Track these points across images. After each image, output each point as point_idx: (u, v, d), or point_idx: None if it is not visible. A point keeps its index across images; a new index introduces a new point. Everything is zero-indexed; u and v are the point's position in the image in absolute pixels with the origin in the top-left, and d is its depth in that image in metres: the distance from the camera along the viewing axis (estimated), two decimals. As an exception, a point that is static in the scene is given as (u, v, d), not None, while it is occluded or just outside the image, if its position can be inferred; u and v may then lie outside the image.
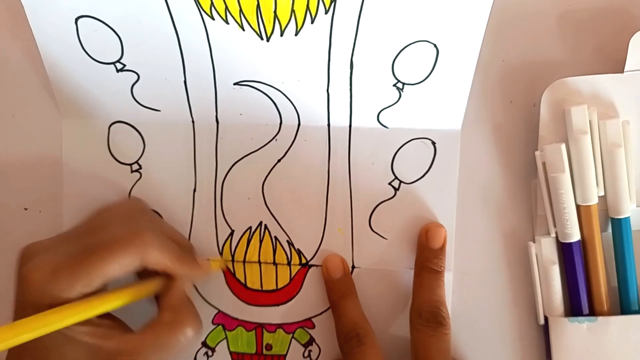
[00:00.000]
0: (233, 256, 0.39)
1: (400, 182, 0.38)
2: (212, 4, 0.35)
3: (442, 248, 0.37)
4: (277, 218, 0.39)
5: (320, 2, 0.34)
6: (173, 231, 0.38)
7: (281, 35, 0.35)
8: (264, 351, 0.40)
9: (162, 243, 0.33)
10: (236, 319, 0.40)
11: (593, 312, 0.37)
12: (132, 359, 0.31)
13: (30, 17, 0.36)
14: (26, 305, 0.30)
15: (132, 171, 0.39)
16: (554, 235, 0.37)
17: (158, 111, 0.38)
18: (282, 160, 0.38)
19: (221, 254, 0.39)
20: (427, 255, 0.37)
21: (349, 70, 0.36)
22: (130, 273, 0.32)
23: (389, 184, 0.38)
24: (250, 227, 0.39)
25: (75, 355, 0.30)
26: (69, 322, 0.29)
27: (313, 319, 0.40)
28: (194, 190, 0.39)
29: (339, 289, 0.38)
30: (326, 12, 0.35)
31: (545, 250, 0.37)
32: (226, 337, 0.40)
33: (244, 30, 0.35)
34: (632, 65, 0.35)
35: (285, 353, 0.40)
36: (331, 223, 0.39)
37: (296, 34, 0.35)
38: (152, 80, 0.37)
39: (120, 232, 0.33)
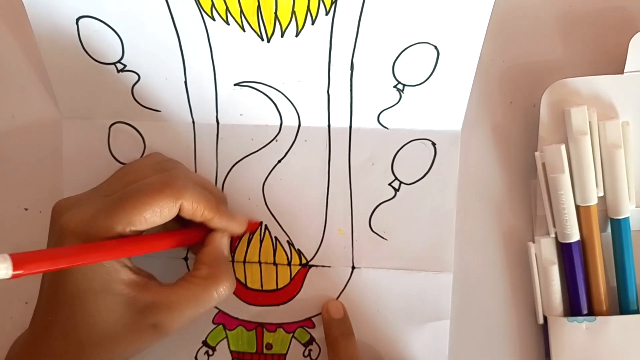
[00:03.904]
0: (233, 256, 0.39)
1: (401, 182, 0.38)
2: (212, 4, 0.35)
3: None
4: (277, 218, 0.39)
5: (321, 3, 0.34)
6: (206, 181, 0.38)
7: (282, 36, 0.35)
8: (264, 350, 0.40)
9: (198, 190, 0.33)
10: (237, 318, 0.40)
11: (592, 312, 0.37)
12: (167, 311, 0.31)
13: (30, 17, 0.36)
14: None
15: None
16: (553, 235, 0.37)
17: (158, 111, 0.38)
18: (282, 161, 0.38)
19: (222, 254, 0.39)
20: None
21: (350, 72, 0.36)
22: (168, 219, 0.32)
23: (389, 184, 0.38)
24: (250, 228, 0.39)
25: (111, 306, 0.31)
26: (105, 258, 0.30)
27: (313, 319, 0.40)
28: (195, 191, 0.39)
29: (339, 327, 0.38)
30: (327, 14, 0.35)
31: (545, 251, 0.37)
32: (227, 337, 0.40)
33: (244, 31, 0.35)
34: (632, 66, 0.35)
35: (285, 352, 0.40)
36: (331, 223, 0.39)
37: (297, 35, 0.35)
38: (153, 80, 0.37)
39: (156, 179, 0.33)
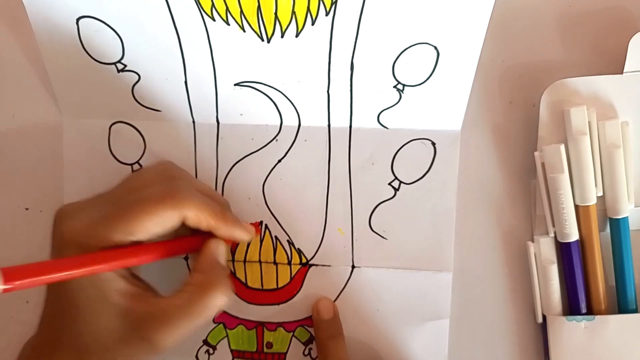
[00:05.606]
0: (233, 256, 0.39)
1: (400, 182, 0.38)
2: (213, 5, 0.35)
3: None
4: (277, 218, 0.39)
5: (321, 3, 0.34)
6: (209, 189, 0.38)
7: (282, 36, 0.35)
8: (265, 349, 0.40)
9: (201, 200, 0.33)
10: (237, 317, 0.40)
11: (591, 311, 0.37)
12: (161, 324, 0.30)
13: (31, 17, 0.36)
14: None
15: (132, 171, 0.39)
16: (552, 235, 0.37)
17: (159, 111, 0.38)
18: (282, 160, 0.39)
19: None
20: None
21: (350, 72, 0.36)
22: (170, 230, 0.32)
23: (389, 184, 0.38)
24: (250, 227, 0.39)
25: (106, 316, 0.30)
26: (101, 269, 0.29)
27: (313, 318, 0.40)
28: (195, 190, 0.39)
29: (328, 329, 0.38)
30: (327, 14, 0.35)
31: (544, 250, 0.37)
32: (227, 336, 0.40)
33: (244, 31, 0.35)
34: (632, 66, 0.35)
35: (285, 351, 0.40)
36: (331, 223, 0.39)
37: (297, 36, 0.35)
38: (153, 80, 0.37)
39: (158, 189, 0.32)
